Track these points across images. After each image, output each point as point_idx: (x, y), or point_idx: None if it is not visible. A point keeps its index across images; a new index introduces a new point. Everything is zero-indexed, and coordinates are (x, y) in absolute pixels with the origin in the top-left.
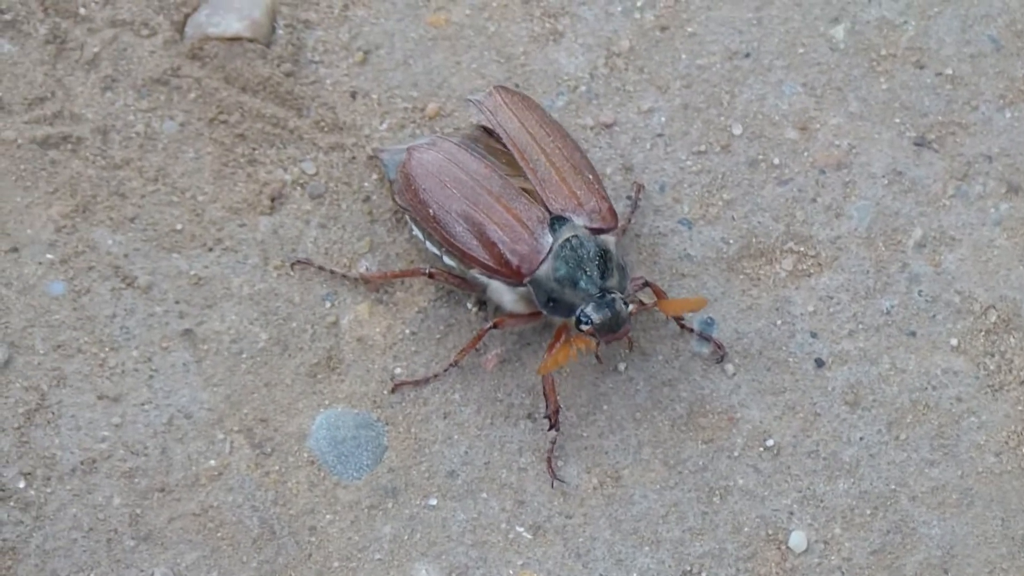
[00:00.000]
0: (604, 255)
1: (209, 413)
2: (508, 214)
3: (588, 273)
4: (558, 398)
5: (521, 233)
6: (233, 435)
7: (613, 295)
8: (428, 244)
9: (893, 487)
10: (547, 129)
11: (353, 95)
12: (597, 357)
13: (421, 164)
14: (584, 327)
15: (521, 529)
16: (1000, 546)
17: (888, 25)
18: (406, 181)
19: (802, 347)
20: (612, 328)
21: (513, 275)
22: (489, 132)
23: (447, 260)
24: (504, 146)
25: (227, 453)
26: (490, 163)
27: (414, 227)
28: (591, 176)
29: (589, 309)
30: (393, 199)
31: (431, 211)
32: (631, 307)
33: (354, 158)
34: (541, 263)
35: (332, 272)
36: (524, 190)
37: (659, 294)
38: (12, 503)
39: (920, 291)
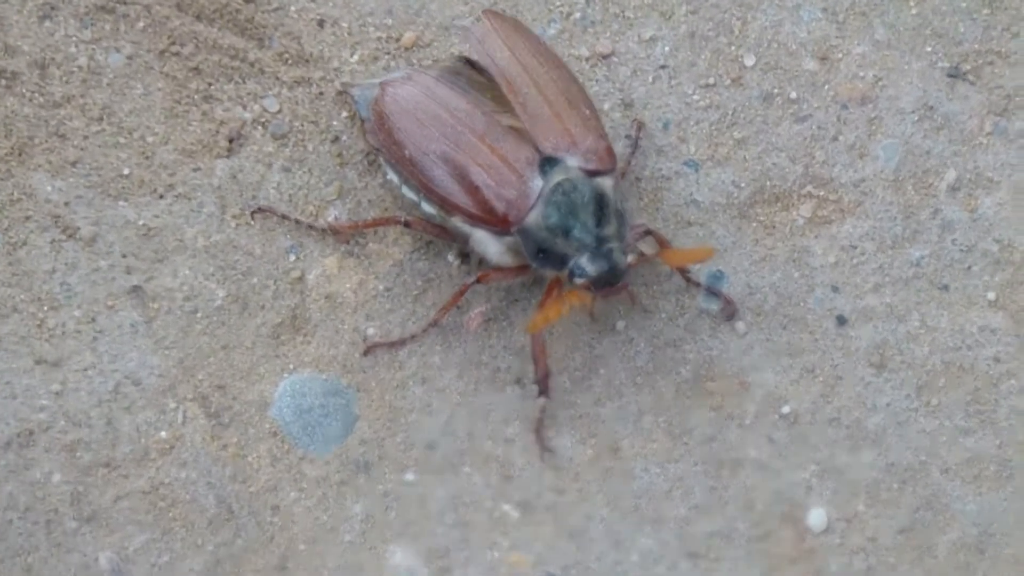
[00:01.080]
0: (600, 200)
1: (160, 379)
2: (493, 155)
3: (582, 220)
4: (549, 361)
5: (508, 176)
6: (187, 404)
7: (610, 245)
8: (404, 189)
9: (923, 458)
10: (540, 59)
11: (320, 23)
12: (591, 314)
13: (396, 100)
14: (578, 280)
15: (508, 507)
16: None
17: None
18: (379, 119)
19: (822, 303)
20: (609, 281)
21: (499, 223)
22: (472, 64)
23: (425, 207)
24: (490, 79)
25: (180, 424)
26: (473, 98)
27: (389, 170)
28: (588, 112)
29: (584, 260)
30: (365, 139)
31: (407, 153)
32: (630, 258)
33: (321, 94)
34: (530, 209)
35: (297, 221)
36: (512, 128)
37: (662, 243)
38: None
39: (954, 239)
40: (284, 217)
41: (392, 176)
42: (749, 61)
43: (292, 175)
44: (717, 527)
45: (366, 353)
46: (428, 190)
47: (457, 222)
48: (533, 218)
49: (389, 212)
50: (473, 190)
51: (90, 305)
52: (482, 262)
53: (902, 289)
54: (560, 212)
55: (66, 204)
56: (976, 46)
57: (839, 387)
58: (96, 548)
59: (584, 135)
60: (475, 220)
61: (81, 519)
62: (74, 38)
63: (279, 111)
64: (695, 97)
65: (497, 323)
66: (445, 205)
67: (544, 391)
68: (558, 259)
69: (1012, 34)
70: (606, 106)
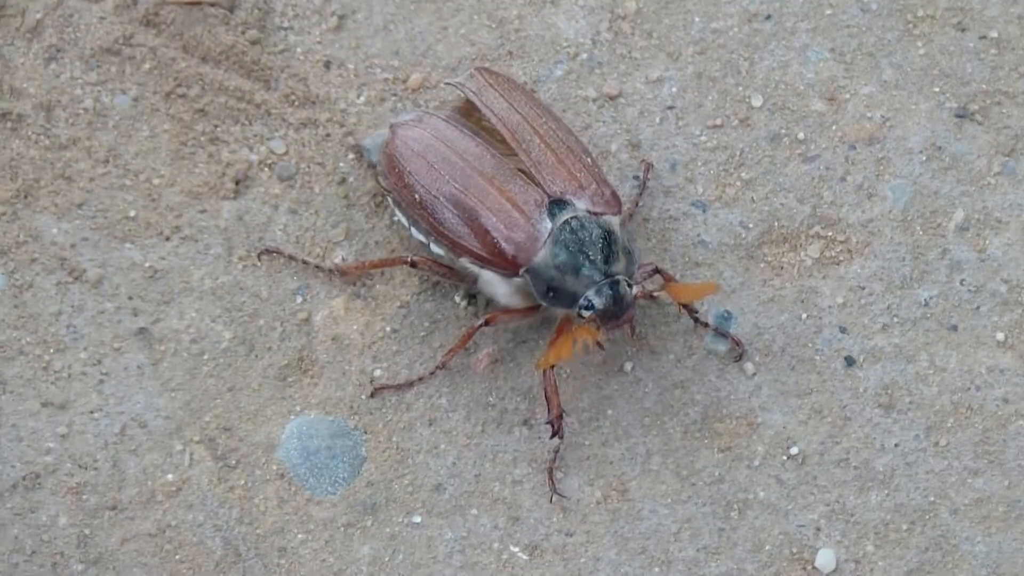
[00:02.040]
0: (608, 237)
1: (166, 421)
2: (502, 198)
3: (591, 258)
4: (561, 401)
5: (517, 219)
6: (193, 446)
7: (617, 277)
8: (413, 231)
9: (932, 499)
10: (538, 111)
11: (327, 65)
12: (599, 345)
13: (406, 143)
14: (586, 313)
15: (516, 549)
16: None
17: None
18: (389, 162)
19: (830, 343)
20: (615, 313)
21: (508, 265)
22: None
23: (434, 248)
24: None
25: (187, 466)
26: (482, 141)
27: (398, 212)
28: (590, 160)
29: (591, 294)
30: (376, 181)
31: (417, 196)
32: (636, 290)
33: (328, 135)
34: (539, 250)
35: (304, 262)
36: (520, 171)
37: (670, 281)
38: None
39: (962, 280)
40: (291, 258)
41: (401, 218)
42: (756, 102)
43: (299, 217)
44: (726, 569)
45: (373, 395)
46: (438, 232)
47: (465, 263)
48: (542, 258)
49: (396, 253)
50: (483, 233)
51: (96, 347)
52: (490, 303)
53: (910, 330)
54: (569, 250)
55: (72, 246)
56: (984, 86)
57: (848, 428)
58: None
59: (588, 180)
60: (483, 262)
61: (87, 562)
62: (80, 80)
63: (286, 153)
64: (702, 138)
65: (504, 364)
66: (455, 248)
67: (556, 432)
68: (568, 297)
69: (1020, 74)
70: (613, 147)
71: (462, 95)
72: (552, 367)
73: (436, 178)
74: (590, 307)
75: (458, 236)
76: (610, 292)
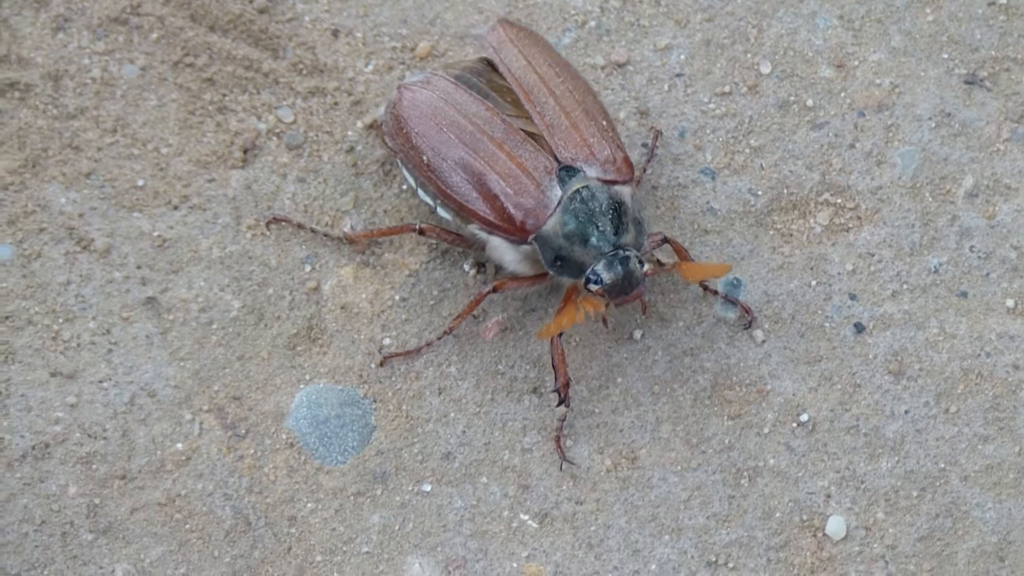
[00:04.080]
0: (618, 208)
1: (175, 391)
2: (512, 163)
3: (600, 228)
4: (567, 370)
5: (526, 184)
6: (202, 415)
7: (627, 252)
8: (421, 193)
9: (942, 466)
10: (557, 69)
11: (335, 33)
12: (604, 321)
13: (414, 104)
14: (593, 287)
15: (526, 517)
16: None
17: None
18: (396, 123)
19: (840, 310)
20: (624, 289)
21: (516, 231)
22: (493, 66)
23: (441, 212)
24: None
25: (196, 435)
26: (492, 104)
27: (405, 173)
28: (605, 122)
29: (600, 267)
30: (382, 140)
31: (424, 158)
32: (647, 267)
33: (336, 104)
34: (548, 218)
35: (312, 231)
36: (530, 135)
37: (680, 252)
38: None
39: (972, 246)
40: (299, 226)
41: (409, 179)
42: (765, 69)
43: (307, 185)
44: (736, 536)
45: (382, 363)
46: (445, 196)
47: (473, 229)
48: (551, 226)
49: (404, 221)
50: (491, 198)
51: (105, 317)
52: (498, 270)
53: (920, 296)
54: (578, 220)
55: (80, 216)
56: (993, 52)
57: (857, 395)
58: (112, 560)
59: (602, 146)
60: (492, 228)
61: (97, 531)
62: (87, 50)
63: (294, 121)
64: (711, 105)
65: (513, 332)
66: (462, 211)
67: (563, 400)
68: (575, 267)
69: None
70: (622, 115)
71: (474, 56)
72: (560, 335)
73: (444, 141)
74: (598, 281)
75: (466, 200)
76: (620, 268)
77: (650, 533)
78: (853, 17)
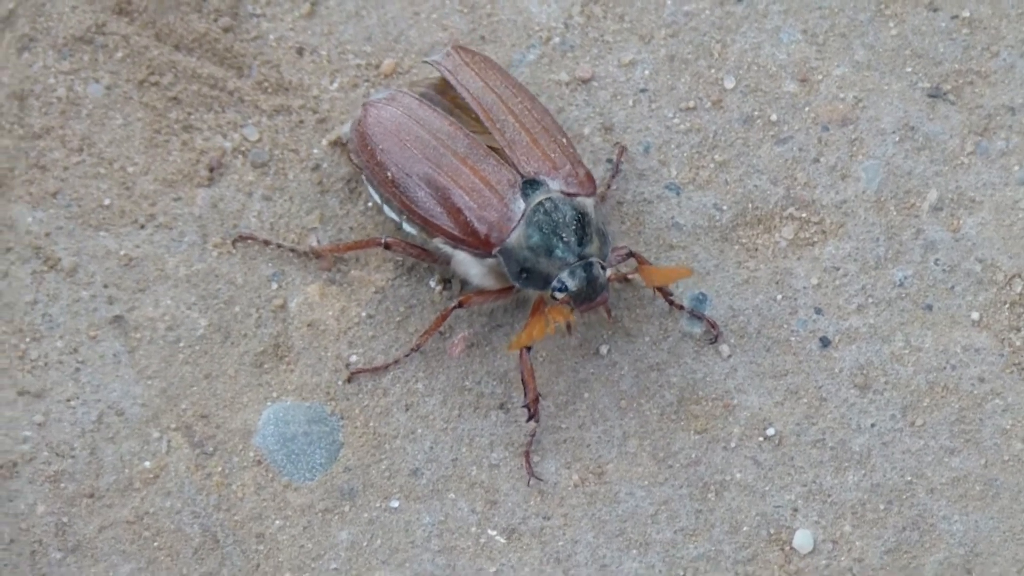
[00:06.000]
0: (582, 219)
1: (143, 409)
2: (475, 177)
3: (564, 239)
4: (536, 385)
5: (490, 198)
6: (170, 433)
7: (590, 260)
8: (386, 209)
9: (909, 479)
10: (514, 90)
11: (299, 51)
12: (568, 329)
13: (379, 121)
14: (559, 295)
15: (494, 532)
16: None
17: None
18: (362, 140)
19: (805, 324)
20: (589, 295)
21: (481, 245)
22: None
23: (407, 227)
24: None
25: (164, 453)
26: (455, 120)
27: (371, 189)
28: (564, 140)
29: (564, 275)
30: (348, 158)
31: (389, 174)
32: (609, 272)
33: (301, 122)
34: (512, 230)
35: (279, 246)
36: (493, 150)
37: (644, 264)
38: None
39: (936, 260)
40: (266, 243)
41: (374, 196)
42: (729, 84)
43: (273, 203)
44: (703, 550)
45: (349, 380)
46: (410, 211)
47: (438, 243)
48: (515, 238)
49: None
50: (455, 212)
51: (72, 336)
52: (464, 286)
53: (885, 310)
54: (542, 232)
55: (47, 235)
56: (956, 66)
57: (823, 408)
58: None
59: (563, 160)
60: (457, 241)
61: (66, 550)
62: (53, 69)
63: (259, 140)
64: (676, 120)
65: (480, 349)
66: (427, 226)
67: (533, 415)
68: (541, 278)
69: (991, 54)
70: (586, 130)
71: (438, 73)
72: (528, 350)
73: (408, 156)
74: (563, 289)
75: (431, 215)
76: (583, 274)
77: (618, 548)
78: (817, 32)
